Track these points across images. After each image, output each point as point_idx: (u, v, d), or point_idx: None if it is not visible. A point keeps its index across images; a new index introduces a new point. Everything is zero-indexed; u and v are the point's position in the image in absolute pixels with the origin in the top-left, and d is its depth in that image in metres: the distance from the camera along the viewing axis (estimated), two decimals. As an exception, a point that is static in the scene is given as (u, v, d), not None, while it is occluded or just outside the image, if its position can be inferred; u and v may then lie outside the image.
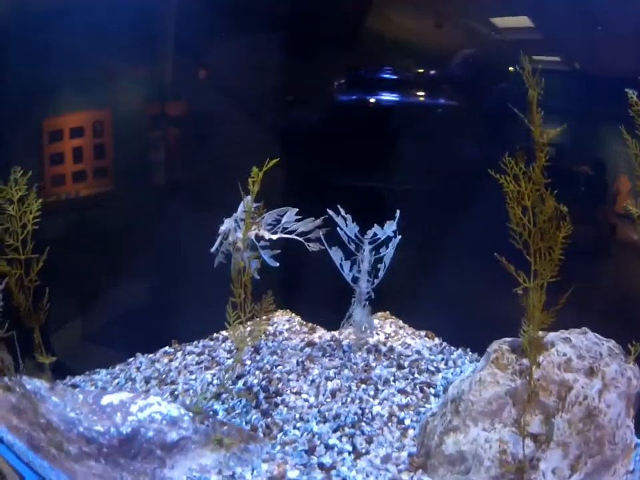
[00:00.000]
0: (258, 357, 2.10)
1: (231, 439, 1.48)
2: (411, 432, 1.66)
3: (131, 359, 2.11)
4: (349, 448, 1.59)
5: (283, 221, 1.60)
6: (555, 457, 1.29)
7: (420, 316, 2.37)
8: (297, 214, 1.63)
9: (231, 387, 1.87)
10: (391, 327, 2.38)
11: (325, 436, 1.64)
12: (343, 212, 1.97)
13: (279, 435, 1.64)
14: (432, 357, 2.11)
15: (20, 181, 1.36)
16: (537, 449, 1.32)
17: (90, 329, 2.27)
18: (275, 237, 1.61)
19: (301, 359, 2.08)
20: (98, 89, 2.35)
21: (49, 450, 1.17)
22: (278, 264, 1.61)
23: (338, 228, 1.97)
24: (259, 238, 1.59)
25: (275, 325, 2.41)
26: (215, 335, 2.30)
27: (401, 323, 2.42)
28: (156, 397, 1.46)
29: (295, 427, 1.68)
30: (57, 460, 1.17)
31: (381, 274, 2.07)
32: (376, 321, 2.41)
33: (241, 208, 1.50)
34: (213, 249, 1.48)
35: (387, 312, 2.48)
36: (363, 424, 1.71)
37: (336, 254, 2.04)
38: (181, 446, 1.37)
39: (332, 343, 2.26)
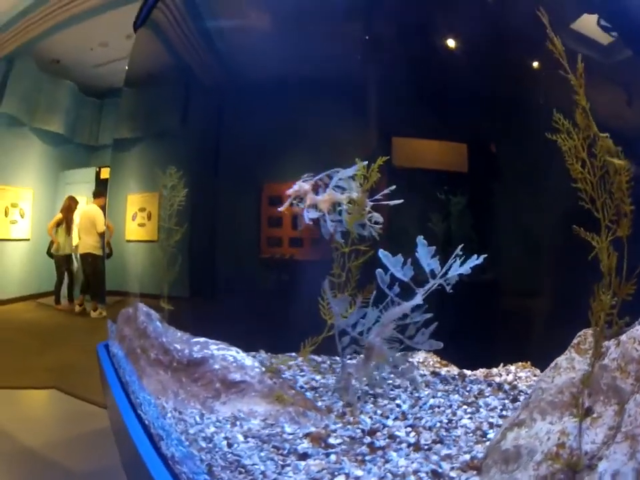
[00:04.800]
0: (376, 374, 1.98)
1: (291, 400, 1.44)
2: (488, 444, 1.32)
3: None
4: (412, 441, 1.35)
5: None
6: (618, 455, 0.87)
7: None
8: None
9: (331, 383, 1.81)
10: (525, 373, 1.97)
11: (394, 428, 1.43)
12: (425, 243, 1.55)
13: (350, 418, 1.50)
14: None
15: (173, 175, 1.76)
16: (603, 445, 0.92)
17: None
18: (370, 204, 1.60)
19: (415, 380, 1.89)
20: (320, 162, 2.35)
21: (137, 351, 1.38)
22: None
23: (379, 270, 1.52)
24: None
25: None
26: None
27: (538, 372, 1.97)
28: (237, 349, 1.55)
29: (369, 417, 1.52)
30: (137, 359, 1.36)
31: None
32: (512, 368, 2.04)
33: (334, 179, 1.52)
34: (281, 209, 1.53)
35: (528, 362, 2.07)
36: (442, 429, 1.43)
37: (342, 303, 1.57)
38: (240, 388, 1.40)
39: (456, 376, 1.99)
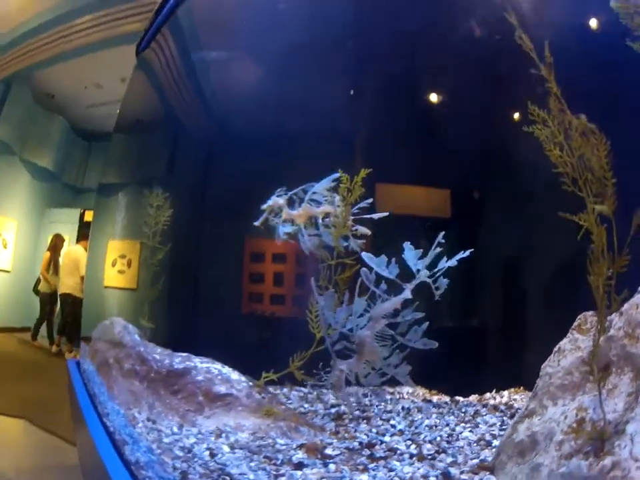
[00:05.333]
0: (365, 400, 1.87)
1: (283, 414, 1.32)
2: (498, 443, 1.22)
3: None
4: (414, 452, 1.24)
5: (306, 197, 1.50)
6: (646, 414, 0.82)
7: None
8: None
9: (321, 410, 1.69)
10: (520, 396, 1.90)
11: (393, 443, 1.31)
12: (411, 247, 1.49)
13: (345, 435, 1.38)
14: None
15: (160, 194, 1.72)
16: (626, 411, 0.86)
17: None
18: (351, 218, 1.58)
19: (407, 406, 1.78)
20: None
21: (109, 361, 1.26)
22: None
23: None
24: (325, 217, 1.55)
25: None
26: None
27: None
28: (223, 364, 1.44)
29: (365, 434, 1.40)
30: (110, 369, 1.24)
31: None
32: (505, 392, 1.97)
33: (309, 192, 1.51)
34: (257, 223, 1.43)
35: (521, 387, 2.00)
36: (444, 442, 1.33)
37: (329, 298, 1.49)
38: (226, 402, 1.28)
39: (449, 401, 1.89)
